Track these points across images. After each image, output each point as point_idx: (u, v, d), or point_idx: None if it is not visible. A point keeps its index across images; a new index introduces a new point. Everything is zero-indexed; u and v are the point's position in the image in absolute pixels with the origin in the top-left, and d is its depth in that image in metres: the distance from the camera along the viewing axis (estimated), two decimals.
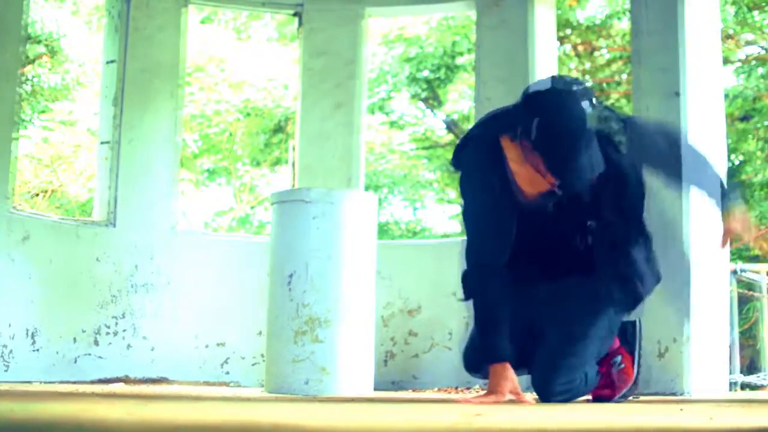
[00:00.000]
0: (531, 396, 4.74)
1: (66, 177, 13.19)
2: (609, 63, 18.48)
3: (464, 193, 4.72)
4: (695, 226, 6.92)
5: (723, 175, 4.69)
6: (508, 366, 4.52)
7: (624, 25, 16.25)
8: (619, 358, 4.97)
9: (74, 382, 7.20)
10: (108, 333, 7.67)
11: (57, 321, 7.34)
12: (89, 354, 7.54)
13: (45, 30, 13.25)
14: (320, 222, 6.18)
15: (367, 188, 14.16)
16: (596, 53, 18.49)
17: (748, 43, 16.71)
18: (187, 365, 7.91)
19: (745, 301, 11.13)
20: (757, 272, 9.81)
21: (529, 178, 4.47)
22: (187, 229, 12.80)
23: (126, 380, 7.59)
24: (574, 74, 18.63)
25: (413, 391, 7.42)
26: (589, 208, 4.69)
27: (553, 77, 4.57)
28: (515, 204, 4.57)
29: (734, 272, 9.39)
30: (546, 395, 4.66)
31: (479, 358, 4.68)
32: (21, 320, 7.09)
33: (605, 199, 4.65)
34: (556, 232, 4.72)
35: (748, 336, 11.67)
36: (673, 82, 7.09)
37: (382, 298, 7.71)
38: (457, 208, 20.52)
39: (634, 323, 5.10)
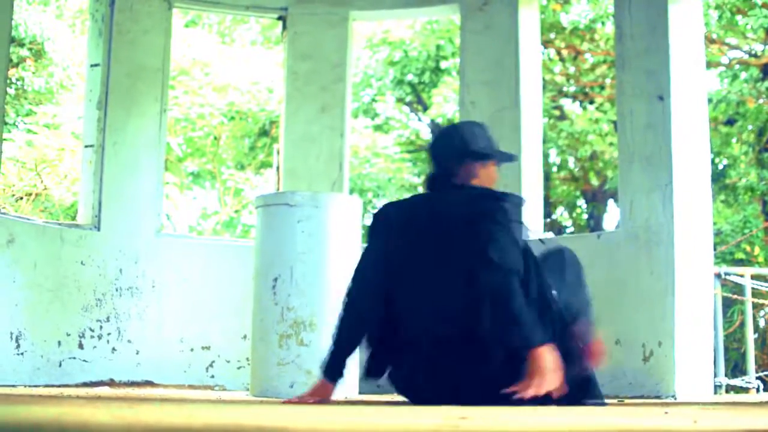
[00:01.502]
0: None
1: (50, 180, 13.15)
2: (593, 67, 18.52)
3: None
4: (680, 229, 6.94)
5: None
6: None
7: (609, 29, 16.28)
8: None
9: (59, 386, 7.18)
10: (93, 336, 7.66)
11: (42, 324, 7.32)
12: (74, 357, 7.52)
13: (29, 33, 13.23)
14: (305, 225, 6.18)
15: (351, 192, 14.17)
16: (581, 57, 18.53)
17: (731, 47, 16.77)
18: (172, 369, 7.90)
19: (729, 304, 11.16)
20: (742, 275, 9.83)
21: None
22: (171, 232, 12.80)
23: (111, 384, 7.57)
24: (559, 78, 18.69)
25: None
26: None
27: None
28: None
29: (718, 275, 9.40)
30: None
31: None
32: (5, 324, 7.06)
33: None
34: None
35: (732, 339, 11.71)
36: (657, 86, 7.11)
37: None
38: None
39: None
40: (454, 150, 4.99)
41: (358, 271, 4.94)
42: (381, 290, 4.84)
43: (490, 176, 5.04)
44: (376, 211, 5.08)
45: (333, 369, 4.88)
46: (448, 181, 4.97)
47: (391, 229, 4.93)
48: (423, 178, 5.24)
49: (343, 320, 4.90)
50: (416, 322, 4.80)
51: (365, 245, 5.02)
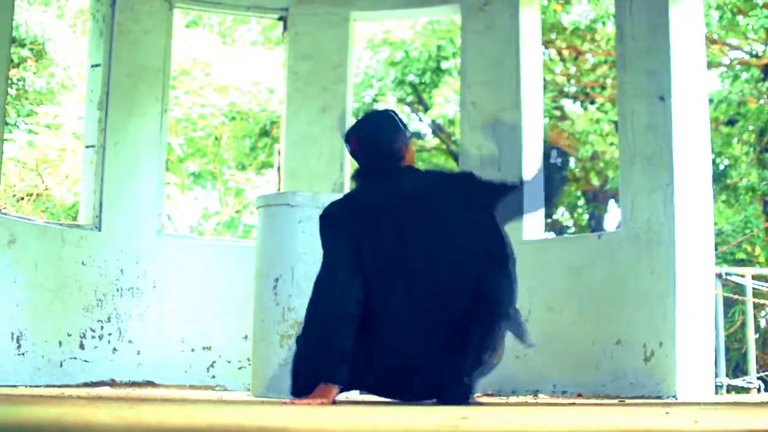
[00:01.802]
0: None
1: (51, 181, 13.15)
2: (594, 67, 18.51)
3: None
4: (681, 229, 6.94)
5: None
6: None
7: (609, 29, 16.27)
8: None
9: (60, 386, 7.18)
10: (94, 337, 7.66)
11: (43, 325, 7.32)
12: (75, 358, 7.53)
13: (30, 33, 13.22)
14: (306, 226, 6.18)
15: None
16: (581, 57, 18.52)
17: (732, 47, 16.76)
18: (173, 369, 7.90)
19: (730, 305, 11.15)
20: (743, 275, 9.82)
21: None
22: (172, 232, 12.79)
23: (112, 384, 7.58)
24: (560, 78, 18.69)
25: None
26: None
27: None
28: None
29: (719, 276, 9.40)
30: None
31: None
32: (6, 324, 7.07)
33: None
34: None
35: (733, 339, 11.70)
36: (658, 86, 7.11)
37: None
38: None
39: None
40: (400, 133, 5.07)
41: (333, 271, 4.90)
42: (360, 287, 4.84)
43: (413, 155, 5.21)
44: (324, 214, 5.05)
45: (335, 372, 4.84)
46: (398, 164, 5.05)
47: (354, 225, 4.92)
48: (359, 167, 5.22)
49: (331, 321, 4.83)
50: (407, 309, 4.82)
51: (329, 246, 4.98)
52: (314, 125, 8.50)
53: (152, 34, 8.23)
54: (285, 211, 6.24)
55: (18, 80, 13.62)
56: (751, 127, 15.89)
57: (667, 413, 3.78)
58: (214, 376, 8.02)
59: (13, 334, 7.10)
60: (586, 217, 20.22)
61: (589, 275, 7.37)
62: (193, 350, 8.00)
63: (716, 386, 8.22)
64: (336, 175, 8.40)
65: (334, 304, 4.82)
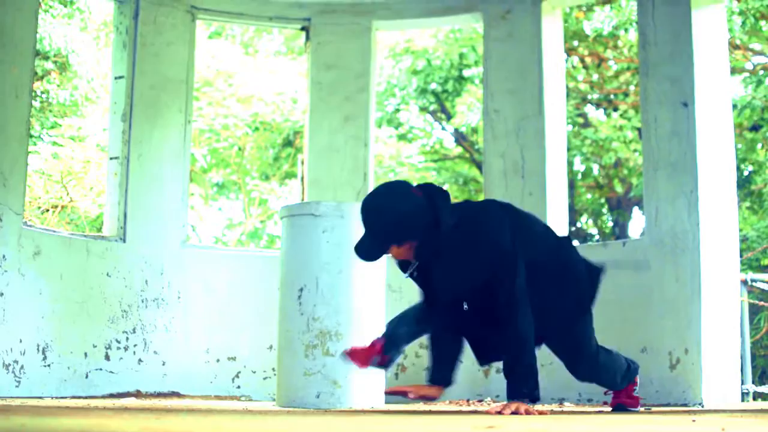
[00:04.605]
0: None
1: (76, 193, 13.19)
2: (617, 74, 18.46)
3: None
4: (705, 236, 6.92)
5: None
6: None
7: (632, 36, 16.24)
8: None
9: (86, 397, 7.20)
10: (119, 348, 7.68)
11: (68, 336, 7.35)
12: (100, 369, 7.55)
13: (54, 46, 13.27)
14: (330, 235, 6.18)
15: None
16: (604, 64, 18.48)
17: (756, 53, 16.70)
18: (199, 379, 7.91)
19: (756, 311, 11.11)
20: None
21: None
22: (197, 243, 12.81)
23: (138, 395, 7.59)
24: (583, 86, 18.65)
25: (425, 403, 7.42)
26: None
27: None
28: None
29: (745, 282, 9.36)
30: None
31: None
32: (32, 336, 7.09)
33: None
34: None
35: (759, 346, 11.65)
36: (681, 92, 7.10)
37: (393, 311, 7.70)
38: None
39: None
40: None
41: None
42: None
43: None
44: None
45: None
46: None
47: None
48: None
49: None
50: None
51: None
52: (337, 135, 8.51)
53: (175, 46, 8.25)
54: (309, 220, 6.25)
55: (42, 93, 13.67)
56: None
57: (694, 421, 3.77)
58: (239, 387, 8.02)
59: (39, 345, 7.13)
60: (610, 224, 20.17)
61: (614, 282, 7.35)
62: (218, 361, 8.01)
63: (742, 393, 8.19)
64: (359, 184, 8.40)
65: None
